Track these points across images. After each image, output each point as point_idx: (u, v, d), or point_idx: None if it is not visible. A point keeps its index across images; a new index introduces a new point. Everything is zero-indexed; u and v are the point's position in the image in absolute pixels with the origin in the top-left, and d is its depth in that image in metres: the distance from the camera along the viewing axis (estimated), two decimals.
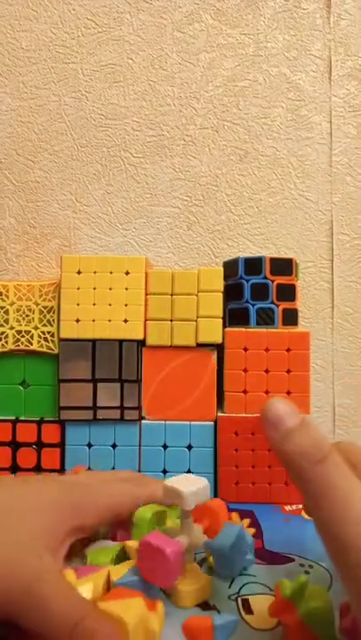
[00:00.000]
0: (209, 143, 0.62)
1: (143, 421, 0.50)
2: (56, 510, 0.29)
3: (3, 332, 0.50)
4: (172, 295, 0.49)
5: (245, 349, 0.49)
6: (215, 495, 0.48)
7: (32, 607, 0.24)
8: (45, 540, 0.28)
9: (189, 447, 0.49)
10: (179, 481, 0.32)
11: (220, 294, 0.49)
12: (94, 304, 0.49)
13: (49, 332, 0.50)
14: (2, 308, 0.50)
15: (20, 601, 0.25)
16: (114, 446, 0.50)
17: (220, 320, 0.49)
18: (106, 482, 0.35)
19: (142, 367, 0.50)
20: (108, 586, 0.29)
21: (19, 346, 0.50)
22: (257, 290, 0.49)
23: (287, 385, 0.49)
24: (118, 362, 0.49)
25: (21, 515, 0.28)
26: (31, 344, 0.50)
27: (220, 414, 0.49)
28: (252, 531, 0.40)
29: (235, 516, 0.40)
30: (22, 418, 0.50)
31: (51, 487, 0.31)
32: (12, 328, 0.50)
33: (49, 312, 0.50)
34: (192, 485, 0.31)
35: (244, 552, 0.34)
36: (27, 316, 0.50)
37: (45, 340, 0.50)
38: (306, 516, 0.44)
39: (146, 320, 0.49)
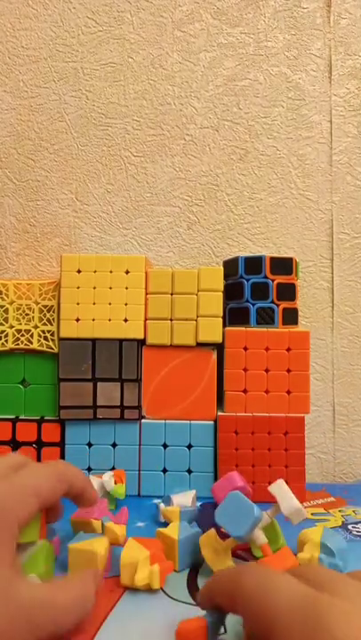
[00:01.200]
0: (209, 142, 0.62)
1: (143, 420, 0.50)
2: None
3: (2, 331, 0.50)
4: (172, 294, 0.49)
5: (245, 349, 0.49)
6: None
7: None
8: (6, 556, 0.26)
9: (189, 446, 0.49)
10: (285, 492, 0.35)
11: (221, 293, 0.49)
12: (94, 303, 0.49)
13: (49, 331, 0.50)
14: (1, 306, 0.50)
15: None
16: (114, 445, 0.50)
17: (220, 319, 0.49)
18: (23, 468, 0.31)
19: (142, 366, 0.50)
20: None
21: (19, 345, 0.50)
22: (257, 289, 0.49)
23: (287, 384, 0.49)
24: (118, 361, 0.49)
25: None
26: (31, 343, 0.50)
27: (220, 413, 0.49)
28: None
29: None
30: (22, 417, 0.50)
31: None
32: (11, 327, 0.50)
33: (49, 311, 0.50)
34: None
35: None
36: (26, 314, 0.50)
37: (45, 339, 0.50)
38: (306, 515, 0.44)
39: (146, 319, 0.49)
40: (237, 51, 0.61)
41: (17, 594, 0.25)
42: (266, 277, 0.49)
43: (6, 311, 0.50)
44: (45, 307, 0.50)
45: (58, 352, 0.50)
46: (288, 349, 0.49)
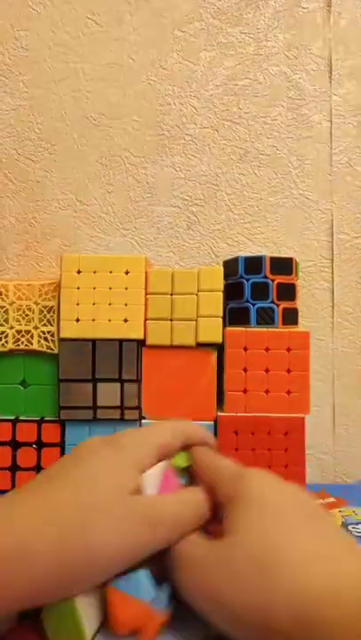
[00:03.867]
0: (209, 142, 0.62)
1: (143, 421, 0.50)
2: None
3: (3, 332, 0.50)
4: (172, 295, 0.49)
5: (245, 349, 0.49)
6: None
7: None
8: None
9: None
10: None
11: (220, 293, 0.49)
12: (94, 303, 0.49)
13: (49, 332, 0.50)
14: (2, 307, 0.50)
15: None
16: None
17: (220, 319, 0.49)
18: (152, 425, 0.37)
19: (142, 367, 0.50)
20: None
21: (19, 345, 0.50)
22: (257, 289, 0.49)
23: (287, 384, 0.49)
24: (118, 361, 0.49)
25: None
26: (31, 344, 0.50)
27: (220, 414, 0.49)
28: None
29: None
30: (22, 417, 0.50)
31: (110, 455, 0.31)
32: (11, 328, 0.50)
33: (49, 311, 0.50)
34: None
35: None
36: (27, 315, 0.50)
37: (45, 339, 0.50)
38: None
39: (146, 319, 0.49)
40: (237, 50, 0.61)
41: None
42: (266, 277, 0.49)
43: (6, 312, 0.50)
44: (45, 307, 0.50)
45: (58, 353, 0.50)
46: (288, 349, 0.49)
